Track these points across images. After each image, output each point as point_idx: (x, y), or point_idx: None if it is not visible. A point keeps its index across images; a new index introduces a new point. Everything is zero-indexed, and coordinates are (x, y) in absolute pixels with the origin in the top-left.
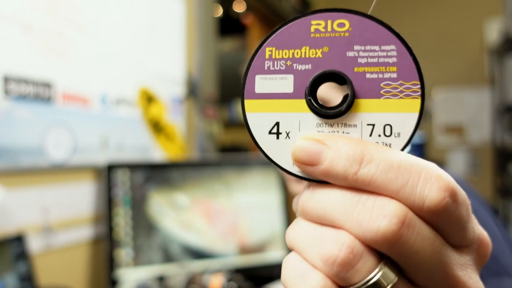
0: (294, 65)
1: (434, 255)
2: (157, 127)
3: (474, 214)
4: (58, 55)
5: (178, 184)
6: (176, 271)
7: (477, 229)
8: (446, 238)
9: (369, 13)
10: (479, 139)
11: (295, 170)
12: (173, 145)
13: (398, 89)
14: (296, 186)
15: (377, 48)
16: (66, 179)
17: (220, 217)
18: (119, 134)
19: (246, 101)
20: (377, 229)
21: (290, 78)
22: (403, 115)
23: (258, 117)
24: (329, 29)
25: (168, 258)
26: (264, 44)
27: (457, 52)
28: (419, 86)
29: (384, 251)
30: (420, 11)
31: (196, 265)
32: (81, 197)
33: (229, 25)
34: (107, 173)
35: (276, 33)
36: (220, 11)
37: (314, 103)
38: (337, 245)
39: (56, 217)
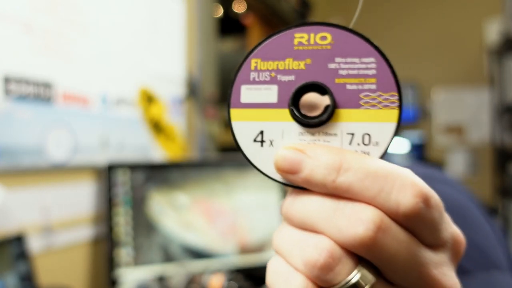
0: (278, 76)
1: (410, 257)
2: (157, 127)
3: (465, 212)
4: (58, 55)
5: (178, 184)
6: (176, 271)
7: (451, 228)
8: (420, 240)
9: (350, 26)
10: (479, 139)
11: (278, 177)
12: (173, 145)
13: (377, 100)
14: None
15: (357, 60)
16: (66, 179)
17: (220, 217)
18: (119, 134)
19: (232, 110)
20: (355, 234)
21: (274, 88)
22: (381, 125)
23: (243, 126)
24: (312, 42)
25: (168, 258)
26: (250, 56)
27: (456, 52)
28: (397, 97)
29: (362, 254)
30: (419, 11)
31: (196, 265)
32: (81, 197)
33: (229, 25)
34: (107, 173)
35: (261, 45)
36: (220, 11)
37: (296, 113)
38: (317, 250)
39: (56, 217)
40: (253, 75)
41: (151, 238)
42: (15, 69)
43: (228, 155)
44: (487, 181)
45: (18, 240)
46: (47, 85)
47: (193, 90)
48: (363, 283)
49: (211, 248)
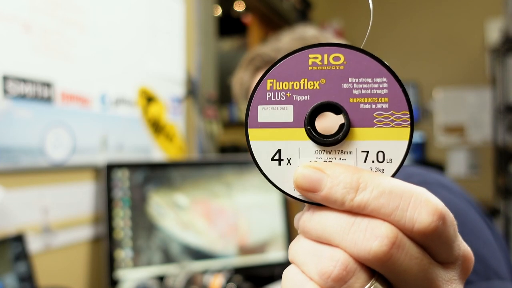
0: (294, 96)
1: (422, 273)
2: (156, 127)
3: (464, 218)
4: (58, 55)
5: (178, 184)
6: (176, 271)
7: (462, 246)
8: (433, 256)
9: (362, 47)
10: (480, 139)
11: (296, 194)
12: (173, 145)
13: (390, 119)
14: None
15: (370, 80)
16: (65, 179)
17: (220, 217)
18: (118, 134)
19: (250, 130)
20: (370, 249)
21: (290, 108)
22: (394, 143)
23: (261, 145)
24: (325, 62)
25: (168, 258)
26: (266, 76)
27: (458, 52)
28: (408, 115)
29: (375, 268)
30: (421, 11)
31: (196, 265)
32: (81, 197)
33: (229, 25)
34: (106, 173)
35: (277, 66)
36: (220, 11)
37: (313, 132)
38: (332, 261)
39: (55, 217)
40: (269, 95)
41: (151, 238)
42: (14, 68)
43: (228, 155)
44: (488, 181)
45: (17, 240)
46: (46, 85)
47: (192, 90)
48: None
49: (211, 248)
